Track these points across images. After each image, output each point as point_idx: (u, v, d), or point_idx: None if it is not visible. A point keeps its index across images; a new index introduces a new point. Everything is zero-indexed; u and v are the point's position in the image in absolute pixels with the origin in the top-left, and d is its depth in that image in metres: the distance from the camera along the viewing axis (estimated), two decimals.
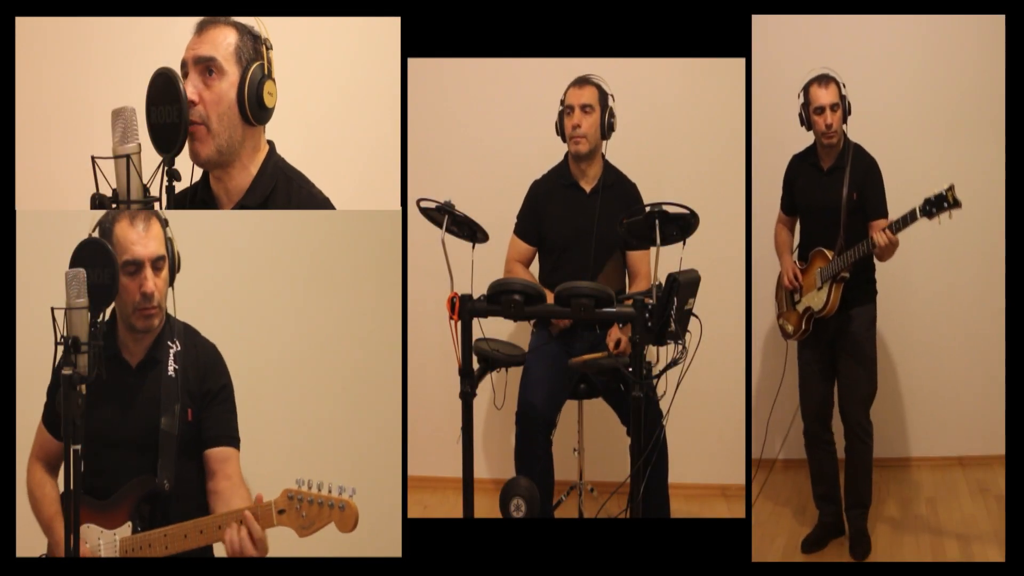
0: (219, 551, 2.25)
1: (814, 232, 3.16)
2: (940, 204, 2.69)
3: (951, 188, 2.67)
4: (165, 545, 2.12)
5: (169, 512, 2.18)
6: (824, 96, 3.00)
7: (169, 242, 2.21)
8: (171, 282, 2.24)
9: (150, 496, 2.18)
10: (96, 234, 2.15)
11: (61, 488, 2.27)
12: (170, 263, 2.22)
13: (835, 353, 3.14)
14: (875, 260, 3.05)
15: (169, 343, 2.26)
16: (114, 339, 2.26)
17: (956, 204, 2.67)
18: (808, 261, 3.15)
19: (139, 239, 2.16)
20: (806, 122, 3.08)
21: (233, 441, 2.29)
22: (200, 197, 2.24)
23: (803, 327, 3.14)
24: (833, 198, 3.04)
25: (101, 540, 2.16)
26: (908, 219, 2.78)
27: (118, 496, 2.18)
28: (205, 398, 2.27)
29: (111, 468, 2.20)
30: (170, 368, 2.24)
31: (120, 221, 2.16)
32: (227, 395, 2.31)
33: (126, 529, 2.16)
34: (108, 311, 2.26)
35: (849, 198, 3.02)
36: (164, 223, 2.21)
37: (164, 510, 2.18)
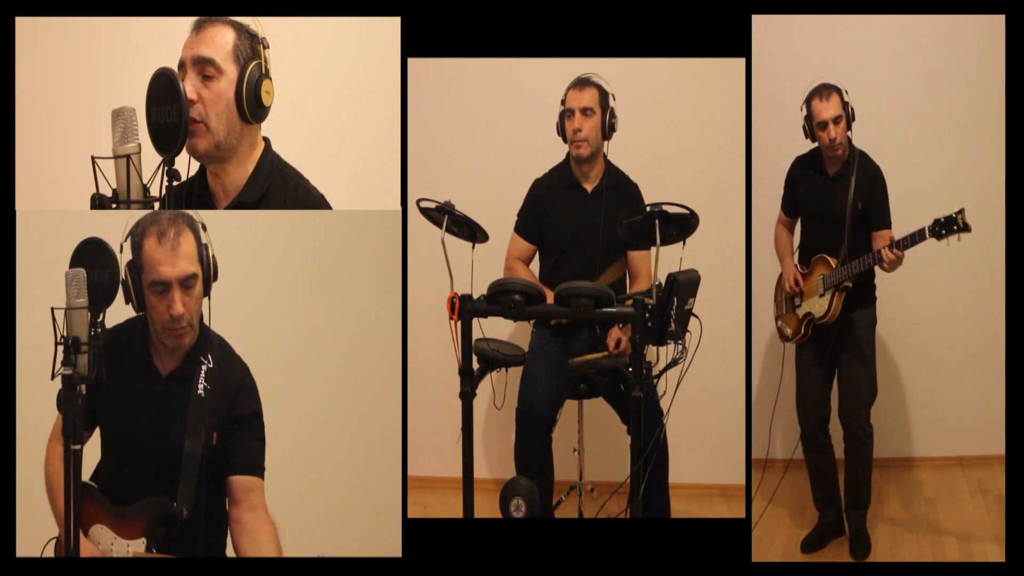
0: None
1: (816, 237, 3.16)
2: (950, 227, 2.70)
3: (961, 212, 2.68)
4: None
5: (195, 531, 2.15)
6: (825, 110, 2.97)
7: (204, 248, 2.18)
8: (207, 292, 2.21)
9: (166, 519, 2.14)
10: (128, 244, 2.12)
11: (84, 477, 2.26)
12: (205, 274, 2.18)
13: (835, 356, 3.14)
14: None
15: (202, 359, 2.22)
16: (147, 344, 2.24)
17: (966, 228, 2.69)
18: (809, 266, 3.15)
19: (166, 259, 2.12)
20: (810, 135, 3.07)
21: (259, 471, 2.25)
22: (197, 193, 2.24)
23: (802, 331, 3.13)
24: (838, 205, 3.03)
25: (114, 546, 2.14)
26: (916, 238, 2.78)
27: (136, 508, 2.15)
28: (235, 423, 2.23)
29: (131, 474, 2.19)
30: (200, 386, 2.19)
31: (149, 238, 2.12)
32: (258, 423, 2.27)
33: (140, 544, 2.14)
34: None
35: (854, 207, 3.01)
36: (200, 228, 2.17)
37: (180, 534, 2.15)
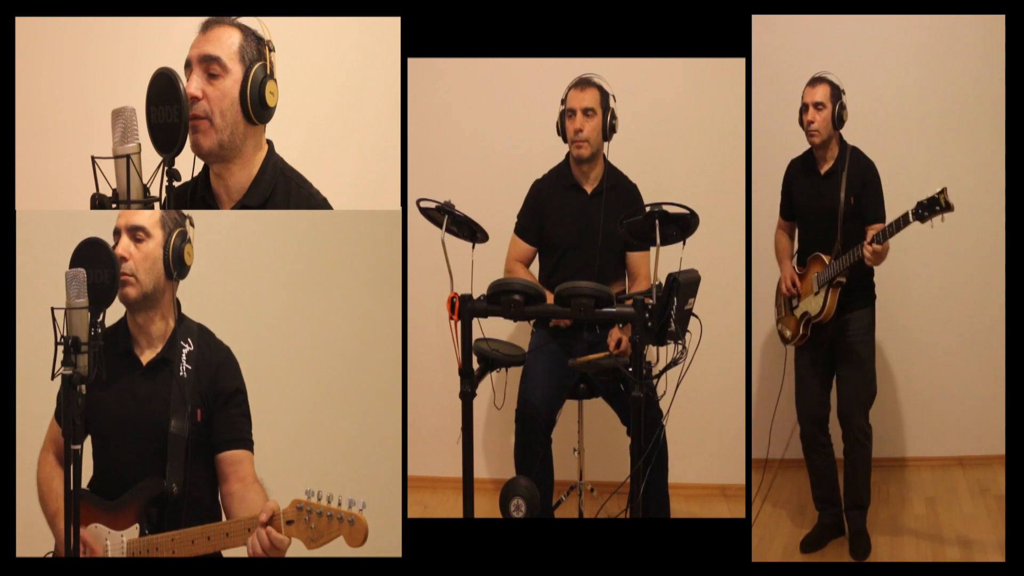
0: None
1: (812, 236, 3.16)
2: (932, 208, 2.67)
3: (943, 191, 2.66)
4: (172, 550, 2.10)
5: (178, 515, 2.17)
6: (810, 95, 3.02)
7: (180, 235, 2.23)
8: (172, 276, 2.24)
9: (158, 499, 2.16)
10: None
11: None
12: (174, 261, 2.22)
13: (833, 357, 3.14)
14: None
15: (182, 343, 2.26)
16: (128, 337, 2.26)
17: (948, 207, 2.65)
18: (806, 266, 3.15)
19: (124, 213, 2.18)
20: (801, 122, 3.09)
21: (246, 444, 2.27)
22: (200, 195, 2.25)
23: (801, 332, 3.13)
24: (830, 202, 3.04)
25: (108, 541, 2.15)
26: (901, 223, 2.76)
27: (126, 497, 2.17)
28: (217, 400, 2.26)
29: (119, 467, 2.20)
30: (182, 368, 2.23)
31: None
32: (241, 399, 2.29)
33: (134, 531, 2.15)
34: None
35: (846, 202, 3.01)
36: (189, 224, 2.24)
37: (172, 513, 2.17)
